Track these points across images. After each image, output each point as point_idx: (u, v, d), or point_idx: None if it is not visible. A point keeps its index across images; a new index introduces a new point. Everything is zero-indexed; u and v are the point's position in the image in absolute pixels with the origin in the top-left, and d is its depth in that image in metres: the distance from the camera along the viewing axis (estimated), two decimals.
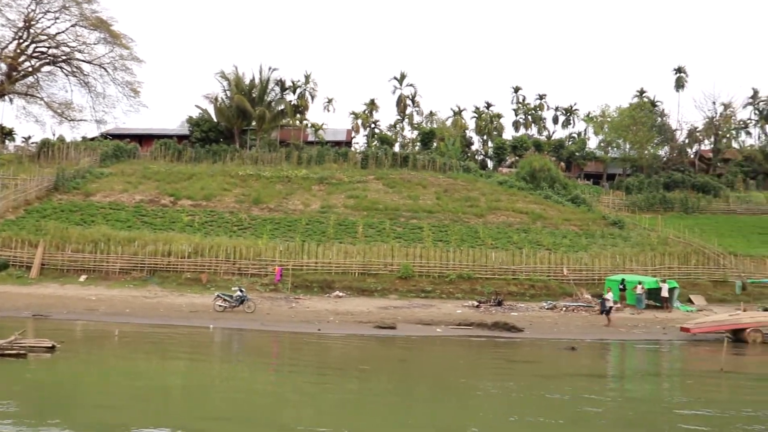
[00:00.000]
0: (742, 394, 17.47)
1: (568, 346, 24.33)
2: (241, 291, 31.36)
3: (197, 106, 70.30)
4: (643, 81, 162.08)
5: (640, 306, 36.26)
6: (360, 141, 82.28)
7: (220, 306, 30.59)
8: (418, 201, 54.34)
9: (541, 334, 28.09)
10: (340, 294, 37.26)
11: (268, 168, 59.77)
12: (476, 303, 35.57)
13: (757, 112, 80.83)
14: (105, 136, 69.04)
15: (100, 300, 32.53)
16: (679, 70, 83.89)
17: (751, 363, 23.88)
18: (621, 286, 37.97)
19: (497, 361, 22.23)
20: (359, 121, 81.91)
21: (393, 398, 15.67)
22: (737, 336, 27.51)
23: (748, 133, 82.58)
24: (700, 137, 78.19)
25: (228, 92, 67.13)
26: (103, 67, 62.72)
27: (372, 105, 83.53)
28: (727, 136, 78.49)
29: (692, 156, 76.95)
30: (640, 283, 37.54)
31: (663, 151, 75.02)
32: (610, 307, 31.35)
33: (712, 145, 77.21)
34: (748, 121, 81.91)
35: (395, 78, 76.12)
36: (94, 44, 62.14)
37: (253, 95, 66.93)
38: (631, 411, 14.75)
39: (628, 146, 73.61)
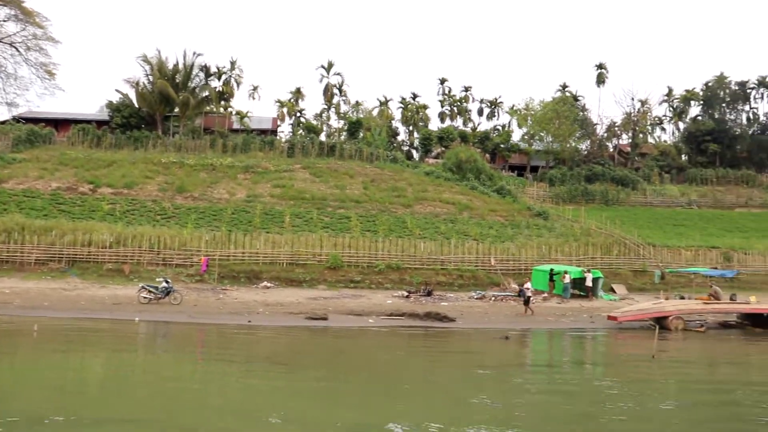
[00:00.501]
0: (673, 378, 18.05)
1: (501, 336, 24.58)
2: (167, 282, 30.37)
3: (117, 91, 67.93)
4: (565, 76, 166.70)
5: (566, 295, 37.06)
6: (285, 130, 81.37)
7: (145, 298, 29.55)
8: (345, 191, 54.06)
9: (472, 323, 28.33)
10: (269, 284, 36.64)
11: (192, 156, 58.30)
12: (406, 293, 35.61)
13: (671, 109, 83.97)
14: (17, 119, 65.69)
15: (14, 293, 30.86)
16: (600, 66, 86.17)
17: (677, 349, 24.66)
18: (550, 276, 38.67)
19: (433, 352, 22.25)
20: (285, 110, 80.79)
21: (322, 391, 15.43)
22: (660, 323, 28.43)
23: (663, 129, 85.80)
24: (619, 132, 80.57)
25: (150, 77, 64.95)
26: (14, 46, 59.52)
27: (298, 93, 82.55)
28: (644, 131, 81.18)
29: (611, 150, 79.30)
30: (566, 272, 38.38)
31: (584, 145, 76.95)
32: (529, 297, 31.67)
33: (630, 140, 79.72)
34: (663, 118, 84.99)
35: (322, 66, 75.51)
36: (4, 21, 58.90)
37: (177, 81, 65.07)
38: (563, 400, 14.98)
39: (550, 139, 75.17)
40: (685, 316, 29.08)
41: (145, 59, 64.83)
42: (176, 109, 65.88)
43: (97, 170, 52.36)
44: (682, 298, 36.69)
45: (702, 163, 76.03)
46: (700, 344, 25.92)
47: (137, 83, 65.03)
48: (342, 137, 74.86)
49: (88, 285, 34.02)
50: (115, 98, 67.20)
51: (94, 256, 37.43)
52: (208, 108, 69.54)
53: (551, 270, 38.79)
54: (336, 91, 76.53)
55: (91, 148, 59.41)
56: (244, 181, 54.20)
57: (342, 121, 79.26)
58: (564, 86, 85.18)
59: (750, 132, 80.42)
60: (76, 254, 37.48)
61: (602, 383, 17.63)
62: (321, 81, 75.60)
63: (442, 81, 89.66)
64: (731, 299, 31.31)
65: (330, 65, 74.99)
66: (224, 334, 24.25)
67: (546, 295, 37.10)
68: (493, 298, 35.72)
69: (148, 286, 30.24)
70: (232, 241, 40.39)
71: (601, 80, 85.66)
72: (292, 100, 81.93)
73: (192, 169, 54.92)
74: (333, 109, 79.28)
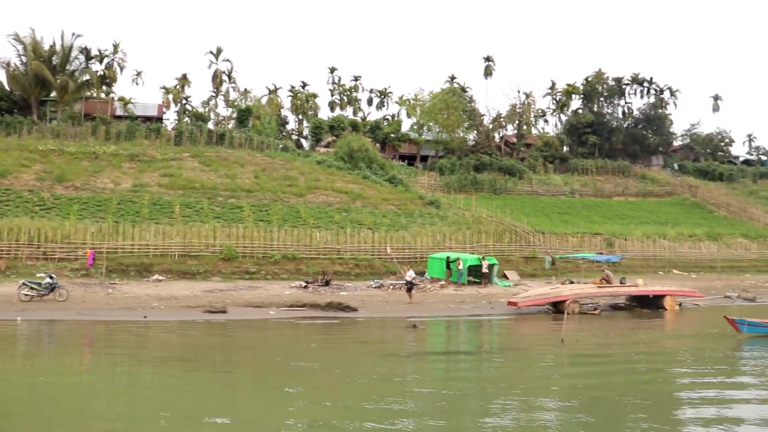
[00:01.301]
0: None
1: (409, 324, 24.70)
2: (51, 278, 28.51)
3: None
4: (454, 68, 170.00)
5: (461, 281, 37.80)
6: (171, 117, 78.48)
7: (26, 295, 27.64)
8: (236, 180, 52.84)
9: (375, 313, 28.38)
10: (160, 278, 35.29)
11: (72, 143, 55.12)
12: (304, 284, 35.25)
13: (554, 101, 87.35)
14: None
15: None
16: (488, 59, 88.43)
17: (580, 333, 25.55)
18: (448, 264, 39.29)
19: (344, 342, 22.05)
20: (170, 97, 78.03)
21: (234, 387, 14.97)
22: (557, 308, 29.54)
23: (546, 121, 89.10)
24: (504, 123, 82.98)
25: (23, 58, 60.75)
26: None
27: (184, 80, 79.91)
28: (528, 123, 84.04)
29: (498, 140, 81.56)
30: (458, 259, 39.12)
31: (471, 135, 78.66)
32: (412, 284, 31.82)
33: (516, 131, 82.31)
34: (546, 110, 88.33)
35: (211, 52, 73.31)
36: None
37: (54, 63, 61.16)
38: (486, 386, 15.22)
39: (438, 129, 76.31)
40: (581, 299, 30.33)
41: (17, 38, 60.44)
42: (53, 94, 62.12)
43: None
44: (572, 282, 38.44)
45: (582, 153, 79.63)
46: (599, 326, 26.93)
47: (8, 64, 60.70)
48: (231, 125, 73.12)
49: None
50: None
51: None
52: (88, 93, 65.90)
53: (447, 257, 39.45)
54: (225, 77, 74.58)
55: None
56: (130, 170, 51.88)
57: (230, 109, 77.38)
58: (452, 77, 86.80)
59: (625, 125, 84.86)
60: None
61: (528, 368, 18.02)
62: (210, 67, 73.58)
63: (332, 70, 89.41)
64: (621, 282, 32.96)
65: (219, 51, 72.98)
66: (119, 331, 23.03)
67: (443, 282, 37.71)
68: (391, 287, 35.90)
69: (29, 282, 28.33)
70: (120, 232, 38.63)
71: (488, 72, 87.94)
72: (177, 87, 79.25)
73: (73, 157, 51.94)
74: (222, 97, 77.25)
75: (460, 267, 38.25)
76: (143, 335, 22.51)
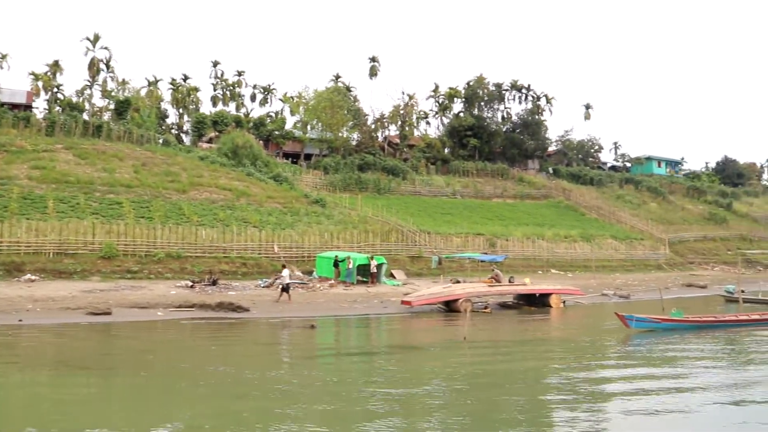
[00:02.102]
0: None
1: (307, 324, 24.44)
2: None
3: None
4: (339, 67, 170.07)
5: (350, 280, 37.92)
6: (40, 106, 73.85)
7: None
8: (114, 174, 50.45)
9: (267, 313, 27.99)
10: (33, 277, 33.16)
11: None
12: (190, 283, 34.24)
13: (437, 104, 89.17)
14: None
15: None
16: (373, 59, 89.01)
17: (482, 331, 26.12)
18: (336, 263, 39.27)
19: (246, 345, 21.47)
20: (40, 84, 73.46)
21: (141, 393, 14.28)
22: (449, 306, 30.22)
23: (428, 123, 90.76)
24: (387, 123, 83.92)
25: None
26: None
27: (56, 67, 75.47)
28: (411, 124, 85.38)
29: (381, 141, 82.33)
30: (347, 258, 39.27)
31: (355, 135, 78.97)
32: (288, 284, 31.13)
33: (398, 132, 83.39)
34: (429, 112, 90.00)
35: (88, 39, 69.04)
36: None
37: None
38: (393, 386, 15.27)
39: (321, 128, 76.10)
40: (473, 298, 31.17)
41: None
42: None
43: None
44: (459, 282, 39.49)
45: (463, 156, 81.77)
46: (496, 323, 27.66)
47: None
48: (107, 117, 69.77)
49: None
50: None
51: None
52: None
53: (336, 257, 39.46)
54: (103, 66, 70.92)
55: None
56: None
57: (107, 100, 73.83)
58: (337, 76, 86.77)
59: (504, 129, 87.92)
60: None
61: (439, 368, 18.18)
62: (86, 54, 69.62)
63: (215, 64, 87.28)
64: (510, 282, 34.14)
65: (96, 38, 69.10)
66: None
67: (332, 281, 37.68)
68: (280, 287, 35.46)
69: None
70: None
71: (373, 73, 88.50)
72: (48, 74, 74.72)
73: None
74: (99, 86, 73.41)
75: (350, 266, 38.40)
76: (18, 340, 21.00)
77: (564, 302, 33.86)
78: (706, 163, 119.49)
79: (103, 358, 17.88)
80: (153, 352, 18.58)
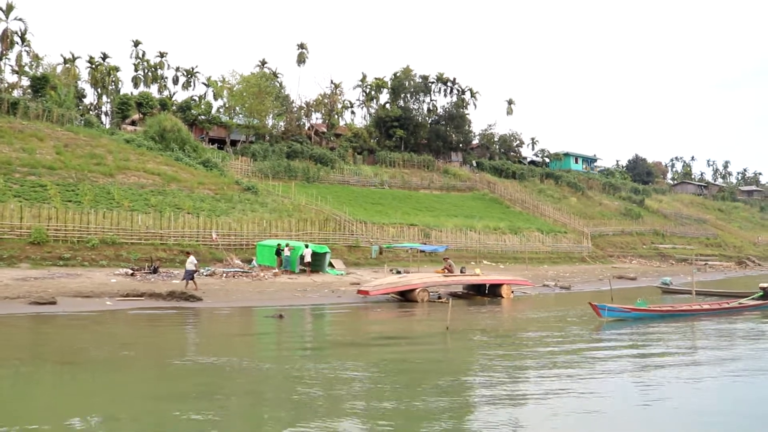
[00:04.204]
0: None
1: (275, 314, 23.53)
2: None
3: None
4: (266, 52, 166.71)
5: (292, 269, 37.22)
6: None
7: None
8: (35, 155, 47.61)
9: (221, 302, 26.95)
10: None
11: None
12: (131, 271, 32.68)
13: (364, 93, 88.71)
14: None
15: None
16: (301, 46, 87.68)
17: (452, 320, 25.95)
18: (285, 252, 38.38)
19: (227, 335, 20.35)
20: None
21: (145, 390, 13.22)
22: (405, 296, 29.98)
23: (353, 113, 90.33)
24: (312, 111, 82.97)
25: None
26: None
27: None
28: (338, 113, 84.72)
29: (308, 129, 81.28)
30: (287, 245, 38.50)
31: (282, 122, 77.60)
32: (194, 272, 29.76)
33: (326, 121, 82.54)
34: (356, 102, 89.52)
35: (0, 9, 64.80)
36: None
37: None
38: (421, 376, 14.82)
39: (247, 113, 74.36)
40: (430, 288, 31.04)
41: None
42: None
43: None
44: (399, 272, 39.40)
45: (389, 146, 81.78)
46: (462, 313, 27.30)
47: None
48: (17, 94, 65.77)
49: None
50: None
51: None
52: None
53: (278, 245, 38.59)
54: (17, 39, 66.61)
55: None
56: None
57: (20, 76, 69.57)
58: (263, 62, 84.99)
59: (429, 122, 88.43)
60: None
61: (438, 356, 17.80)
62: None
63: (136, 44, 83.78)
64: (462, 272, 34.17)
65: (10, 8, 64.68)
66: None
67: (276, 270, 36.83)
68: (224, 275, 34.41)
69: None
70: None
71: (302, 60, 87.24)
72: None
73: None
74: (14, 61, 69.05)
75: (288, 254, 37.68)
76: None
77: (512, 292, 34.21)
78: (617, 161, 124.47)
79: (79, 352, 16.48)
80: (129, 346, 17.24)
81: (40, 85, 61.96)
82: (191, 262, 29.57)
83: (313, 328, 23.51)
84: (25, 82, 68.44)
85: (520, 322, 25.54)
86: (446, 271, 33.09)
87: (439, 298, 31.65)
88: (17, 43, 67.56)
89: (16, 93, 66.41)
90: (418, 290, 29.90)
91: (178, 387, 12.91)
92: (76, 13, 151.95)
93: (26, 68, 70.21)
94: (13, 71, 70.98)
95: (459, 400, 12.37)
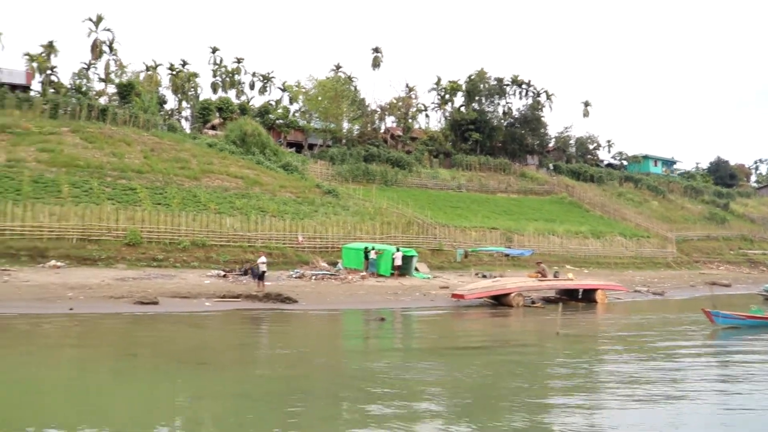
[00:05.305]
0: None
1: (376, 317, 23.26)
2: None
3: None
4: (340, 57, 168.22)
5: (380, 272, 36.94)
6: (35, 87, 71.36)
7: None
8: (124, 159, 48.83)
9: (316, 304, 26.86)
10: (58, 263, 31.62)
11: None
12: (222, 273, 32.94)
13: (439, 97, 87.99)
14: None
15: None
16: (376, 50, 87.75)
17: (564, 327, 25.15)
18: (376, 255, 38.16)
19: (332, 338, 20.27)
20: (35, 65, 71.00)
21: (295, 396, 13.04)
22: (499, 300, 29.32)
23: (428, 116, 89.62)
24: (387, 115, 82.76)
25: None
26: None
27: (50, 48, 72.96)
28: (414, 116, 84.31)
29: (383, 132, 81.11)
30: (373, 248, 38.28)
31: (357, 126, 77.67)
32: (263, 272, 29.66)
33: (401, 124, 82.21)
34: (431, 105, 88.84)
35: (90, 20, 67.00)
36: None
37: None
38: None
39: (323, 117, 74.72)
40: (525, 293, 30.31)
41: None
42: None
43: None
44: (485, 276, 38.71)
45: (465, 150, 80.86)
46: (564, 319, 26.58)
47: None
48: (105, 100, 67.67)
49: None
50: None
51: None
52: None
53: (365, 248, 38.39)
54: (105, 48, 68.70)
55: None
56: (1, 143, 46.49)
57: (106, 84, 71.60)
58: (338, 66, 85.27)
59: (505, 124, 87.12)
60: None
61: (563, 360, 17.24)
62: (89, 36, 67.39)
63: (214, 50, 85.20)
64: (555, 276, 33.29)
65: (99, 19, 66.94)
66: (56, 327, 19.89)
67: (364, 273, 36.59)
68: (313, 277, 34.34)
69: None
70: (3, 212, 34.26)
71: (376, 64, 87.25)
72: (43, 55, 72.27)
73: None
74: (103, 68, 71.14)
75: (374, 257, 37.45)
76: (90, 330, 19.61)
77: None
78: (697, 164, 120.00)
79: (201, 352, 16.46)
80: (245, 345, 17.22)
81: (126, 91, 63.66)
82: (262, 262, 29.54)
83: (418, 331, 23.11)
84: (111, 89, 70.35)
85: (630, 327, 24.63)
86: (539, 275, 32.20)
87: (533, 302, 30.79)
88: (105, 53, 69.61)
89: (103, 100, 68.30)
90: (513, 294, 29.21)
91: (303, 386, 12.65)
92: (156, 23, 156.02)
93: (112, 76, 72.15)
94: (100, 79, 73.10)
95: (611, 401, 11.73)
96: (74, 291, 25.68)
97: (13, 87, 59.98)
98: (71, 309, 22.18)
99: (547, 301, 32.88)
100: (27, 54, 71.00)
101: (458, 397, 12.22)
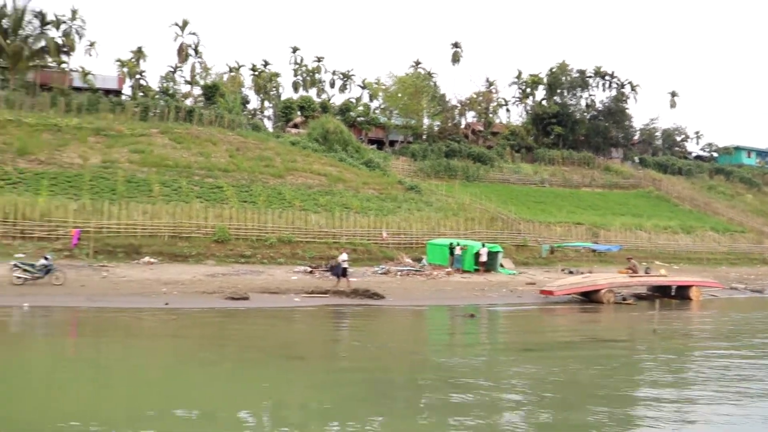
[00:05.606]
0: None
1: (466, 314, 22.95)
2: (47, 258, 25.60)
3: None
4: (419, 53, 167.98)
5: (465, 268, 36.45)
6: (126, 91, 74.05)
7: (19, 278, 24.63)
8: (210, 159, 49.97)
9: (403, 300, 26.63)
10: (152, 260, 32.56)
11: (30, 114, 50.96)
12: (309, 269, 33.16)
13: (520, 90, 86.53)
14: None
15: None
16: (455, 45, 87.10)
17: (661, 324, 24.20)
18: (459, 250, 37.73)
19: (429, 333, 20.12)
20: (125, 70, 73.68)
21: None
22: (589, 297, 28.46)
23: (508, 110, 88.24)
24: (467, 110, 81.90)
25: None
26: None
27: (139, 53, 75.61)
28: (495, 111, 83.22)
29: (464, 128, 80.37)
30: (458, 244, 37.82)
31: (438, 122, 77.20)
32: (345, 269, 28.95)
33: (480, 119, 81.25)
34: (511, 99, 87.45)
35: (176, 24, 69.14)
36: None
37: (4, 26, 56.48)
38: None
39: (403, 114, 74.62)
40: (616, 289, 29.33)
41: None
42: (2, 60, 57.51)
43: None
44: (571, 272, 37.68)
45: (547, 144, 79.27)
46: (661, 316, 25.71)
47: None
48: (191, 102, 69.59)
49: None
50: None
51: None
52: (44, 61, 61.18)
53: (450, 244, 37.99)
54: (191, 51, 70.73)
55: None
56: (97, 145, 48.28)
57: (191, 86, 73.65)
58: (417, 63, 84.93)
59: (588, 117, 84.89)
60: None
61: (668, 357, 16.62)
62: (175, 40, 69.56)
63: (294, 50, 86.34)
64: (646, 272, 32.13)
65: (185, 23, 68.98)
66: (158, 320, 20.45)
67: (449, 269, 36.18)
68: (399, 274, 34.17)
69: (23, 263, 25.33)
70: (101, 211, 35.55)
71: (456, 59, 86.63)
72: (133, 60, 74.92)
73: (32, 129, 47.89)
74: (188, 71, 73.23)
75: (459, 253, 36.98)
76: (187, 324, 20.05)
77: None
78: None
79: (295, 347, 16.53)
80: (335, 340, 17.23)
81: (210, 93, 65.25)
82: (343, 259, 29.42)
83: (511, 328, 22.62)
84: (197, 91, 72.26)
85: (731, 324, 23.42)
86: (630, 271, 31.03)
87: (624, 299, 29.68)
88: (191, 56, 71.61)
89: (189, 101, 70.25)
90: (603, 291, 28.25)
91: (408, 382, 12.43)
92: (239, 24, 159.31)
93: (197, 78, 74.09)
94: (186, 82, 75.24)
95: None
96: (168, 286, 26.30)
97: (107, 92, 62.34)
98: (167, 304, 22.67)
99: (639, 297, 31.70)
100: (118, 60, 73.82)
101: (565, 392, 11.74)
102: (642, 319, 23.55)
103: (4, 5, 57.54)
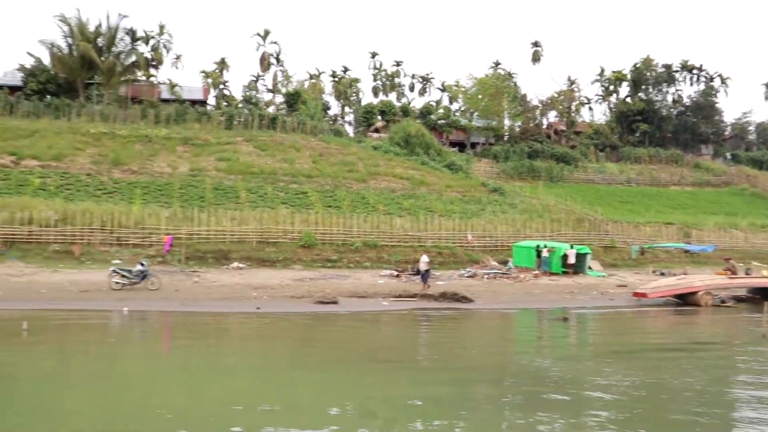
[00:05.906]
0: None
1: (559, 317, 22.33)
2: (143, 264, 26.36)
3: (30, 54, 60.96)
4: (498, 53, 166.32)
5: (552, 270, 35.53)
6: (211, 102, 76.14)
7: (117, 283, 25.42)
8: (294, 165, 50.62)
9: (491, 303, 26.16)
10: (241, 265, 33.05)
11: (123, 126, 52.88)
12: (395, 273, 32.98)
13: (603, 88, 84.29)
14: None
15: None
16: (535, 44, 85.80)
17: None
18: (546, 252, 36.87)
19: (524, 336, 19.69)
20: (210, 81, 75.73)
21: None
22: (685, 299, 27.24)
23: (591, 109, 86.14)
24: (549, 110, 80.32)
25: (69, 39, 58.29)
26: None
27: (222, 64, 77.58)
28: (577, 109, 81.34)
29: (546, 128, 78.85)
30: (546, 246, 36.89)
31: (519, 122, 76.04)
32: (427, 271, 29.06)
33: (563, 118, 79.55)
34: (594, 97, 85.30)
35: (258, 35, 70.70)
36: None
37: (100, 44, 58.87)
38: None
39: (484, 115, 73.83)
40: (714, 291, 27.98)
41: (63, 19, 58.01)
42: (97, 76, 59.97)
43: (17, 140, 46.40)
44: (663, 274, 36.18)
45: (633, 142, 76.95)
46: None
47: (53, 45, 58.36)
48: (273, 109, 70.87)
49: (36, 270, 29.29)
50: (28, 62, 60.43)
51: (36, 236, 32.56)
52: (135, 75, 63.58)
53: (537, 246, 37.11)
54: (273, 60, 72.08)
55: (3, 115, 52.86)
56: (185, 154, 49.70)
57: (273, 94, 75.05)
58: (497, 63, 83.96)
59: (675, 113, 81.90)
60: (13, 234, 32.50)
61: None
62: (257, 49, 71.09)
63: (373, 55, 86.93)
64: (746, 273, 30.55)
65: (266, 33, 70.47)
66: (250, 324, 20.90)
67: (536, 272, 35.32)
68: (485, 276, 33.57)
69: (121, 269, 26.13)
70: (194, 218, 36.38)
71: (536, 58, 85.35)
72: (216, 71, 76.92)
73: (125, 140, 49.74)
74: (270, 79, 74.75)
75: (546, 255, 36.04)
76: (285, 329, 20.28)
77: None
78: None
79: (398, 352, 16.41)
80: (426, 344, 16.99)
81: (292, 100, 66.23)
82: (424, 261, 28.97)
83: (608, 331, 21.87)
84: (279, 98, 73.48)
85: None
86: (729, 272, 29.47)
87: (723, 302, 28.20)
88: (273, 64, 72.92)
89: (271, 109, 71.56)
90: (701, 293, 26.95)
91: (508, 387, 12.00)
92: (319, 32, 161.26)
93: (279, 86, 75.38)
94: (268, 90, 76.69)
95: None
96: (258, 291, 26.60)
97: (193, 102, 64.16)
98: (258, 308, 22.92)
99: (738, 300, 30.10)
100: (203, 71, 75.96)
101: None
102: (743, 322, 22.35)
103: (99, 25, 60.08)
